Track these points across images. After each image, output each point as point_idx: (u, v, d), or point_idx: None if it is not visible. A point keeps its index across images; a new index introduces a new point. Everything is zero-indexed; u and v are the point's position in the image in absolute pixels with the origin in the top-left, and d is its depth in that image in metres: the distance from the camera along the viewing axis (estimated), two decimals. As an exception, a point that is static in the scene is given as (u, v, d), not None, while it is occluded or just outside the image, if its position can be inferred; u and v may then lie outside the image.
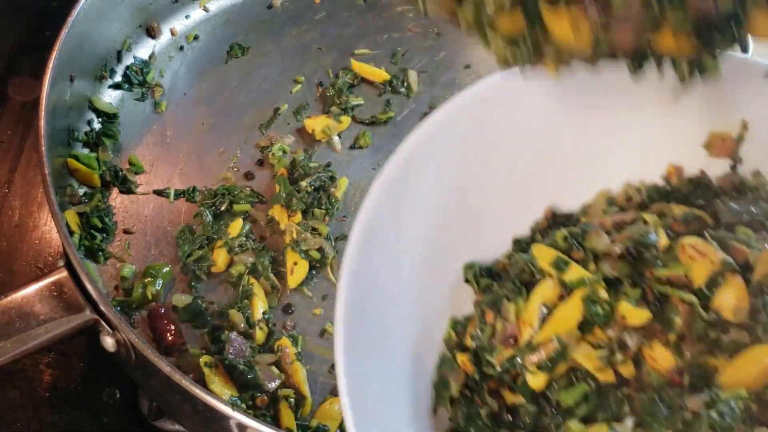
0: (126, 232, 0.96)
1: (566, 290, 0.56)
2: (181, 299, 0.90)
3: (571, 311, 0.54)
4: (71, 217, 0.91)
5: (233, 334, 0.86)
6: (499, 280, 0.62)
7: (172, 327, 0.88)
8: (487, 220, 0.65)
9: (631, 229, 0.58)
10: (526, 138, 0.65)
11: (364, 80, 1.13)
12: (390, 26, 1.20)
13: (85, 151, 0.99)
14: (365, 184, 1.05)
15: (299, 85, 1.12)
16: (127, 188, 0.99)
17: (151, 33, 1.10)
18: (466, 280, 0.64)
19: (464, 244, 0.64)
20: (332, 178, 1.01)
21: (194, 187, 1.00)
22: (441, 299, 0.63)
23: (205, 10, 1.16)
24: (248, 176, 1.02)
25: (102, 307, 0.76)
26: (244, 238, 0.95)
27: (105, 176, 0.98)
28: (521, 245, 0.65)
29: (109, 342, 0.77)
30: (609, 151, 0.65)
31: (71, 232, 0.89)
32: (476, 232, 0.64)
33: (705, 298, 0.53)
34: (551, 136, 0.65)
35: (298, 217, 0.97)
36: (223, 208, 0.98)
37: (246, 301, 0.91)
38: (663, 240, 0.56)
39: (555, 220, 0.66)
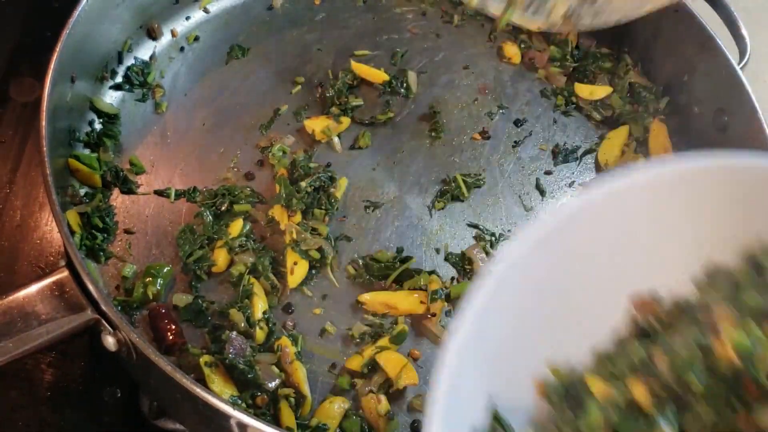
0: (127, 232, 0.96)
1: None
2: (182, 299, 0.91)
3: None
4: (72, 217, 0.91)
5: (233, 334, 0.87)
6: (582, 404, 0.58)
7: (173, 326, 0.88)
8: (564, 324, 0.61)
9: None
10: (607, 242, 0.62)
11: (363, 81, 1.14)
12: (389, 27, 1.21)
13: (86, 151, 0.99)
14: (365, 184, 1.05)
15: (299, 86, 1.12)
16: (128, 188, 0.99)
17: (152, 34, 1.11)
18: (550, 402, 0.59)
19: (543, 350, 0.60)
20: (332, 179, 1.01)
21: (195, 188, 1.00)
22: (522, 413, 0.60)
23: (206, 11, 1.17)
24: (248, 176, 1.03)
25: (103, 307, 0.77)
26: (245, 238, 0.95)
27: (106, 176, 0.98)
28: (611, 369, 0.60)
29: (110, 341, 0.77)
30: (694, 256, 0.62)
31: (72, 232, 0.89)
32: (554, 337, 0.61)
33: None
34: (632, 238, 0.62)
35: (298, 217, 0.98)
36: (223, 208, 0.98)
37: (246, 300, 0.91)
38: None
39: (638, 331, 0.62)
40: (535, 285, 0.60)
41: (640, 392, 0.53)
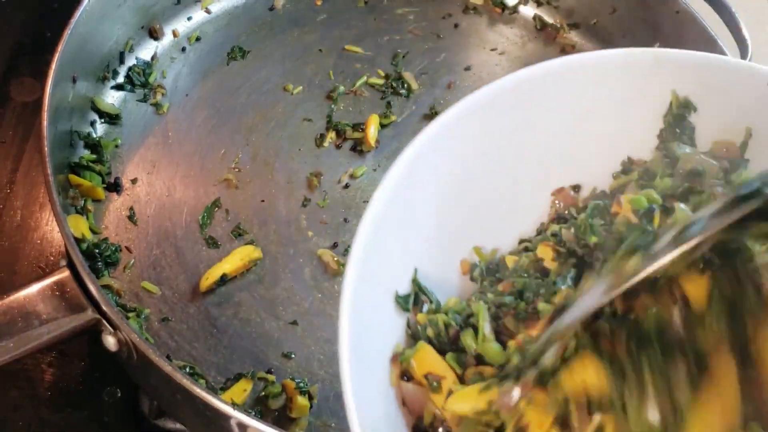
0: (127, 232, 0.96)
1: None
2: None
3: None
4: (81, 223, 0.91)
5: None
6: (501, 278, 0.62)
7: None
8: (494, 216, 0.65)
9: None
10: (534, 137, 0.65)
11: (365, 82, 1.14)
12: (391, 28, 1.21)
13: (87, 152, 0.99)
14: (366, 185, 1.05)
15: (300, 87, 1.12)
16: (127, 188, 0.99)
17: (154, 34, 1.11)
18: (472, 278, 0.64)
19: (473, 238, 0.64)
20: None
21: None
22: (447, 289, 0.63)
23: (207, 11, 1.17)
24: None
25: (104, 307, 0.76)
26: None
27: (107, 177, 0.98)
28: (527, 245, 0.65)
29: (110, 341, 0.77)
30: (615, 154, 0.66)
31: (78, 239, 0.89)
32: (484, 227, 0.64)
33: None
34: (558, 135, 0.65)
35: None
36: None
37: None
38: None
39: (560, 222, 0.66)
40: (462, 168, 0.63)
41: (544, 251, 0.59)
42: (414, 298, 0.61)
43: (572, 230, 0.59)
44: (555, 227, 0.63)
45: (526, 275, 0.59)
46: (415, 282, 0.61)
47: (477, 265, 0.64)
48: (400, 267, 0.60)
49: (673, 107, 0.64)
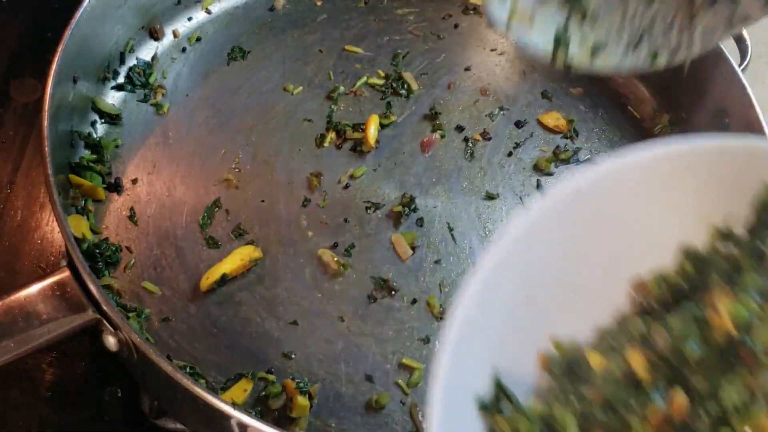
0: (128, 232, 0.96)
1: None
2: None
3: None
4: (81, 223, 0.91)
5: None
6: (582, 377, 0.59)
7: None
8: (569, 306, 0.62)
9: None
10: (613, 225, 0.63)
11: (365, 82, 1.14)
12: (391, 28, 1.21)
13: (88, 152, 0.99)
14: (366, 185, 1.05)
15: (300, 87, 1.12)
16: (128, 189, 0.99)
17: (154, 35, 1.11)
18: (551, 374, 0.61)
19: (547, 329, 0.62)
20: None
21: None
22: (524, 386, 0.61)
23: (208, 12, 1.17)
24: (249, 177, 1.03)
25: (104, 307, 0.77)
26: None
27: (107, 177, 0.99)
28: (612, 344, 0.61)
29: (110, 341, 0.77)
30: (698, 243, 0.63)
31: (78, 239, 0.89)
32: (558, 318, 0.62)
33: None
34: (638, 222, 0.63)
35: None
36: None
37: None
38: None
39: (639, 310, 0.63)
40: (540, 262, 0.61)
41: (637, 362, 0.55)
42: (494, 400, 0.58)
43: (667, 337, 0.56)
44: (641, 325, 0.59)
45: (615, 385, 0.56)
46: (496, 383, 0.58)
47: (556, 359, 0.61)
48: (480, 368, 0.58)
49: (766, 201, 0.61)
